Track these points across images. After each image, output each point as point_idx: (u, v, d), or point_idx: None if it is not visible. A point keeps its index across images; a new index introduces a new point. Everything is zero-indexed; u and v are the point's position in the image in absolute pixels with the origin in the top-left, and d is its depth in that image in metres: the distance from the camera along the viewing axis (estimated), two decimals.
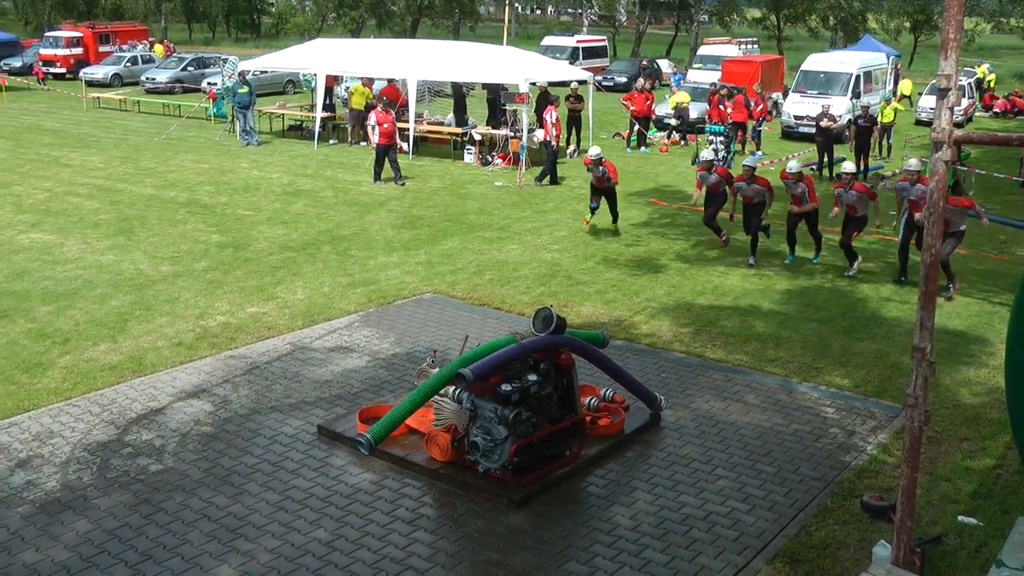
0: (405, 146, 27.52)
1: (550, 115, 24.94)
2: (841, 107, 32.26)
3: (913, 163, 16.28)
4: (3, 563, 7.75)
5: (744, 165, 17.45)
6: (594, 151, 18.95)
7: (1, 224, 19.15)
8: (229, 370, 11.89)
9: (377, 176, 24.27)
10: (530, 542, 8.23)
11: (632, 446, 10.11)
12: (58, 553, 7.92)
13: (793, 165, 17.17)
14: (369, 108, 30.49)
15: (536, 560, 7.96)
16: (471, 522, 8.54)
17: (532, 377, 9.15)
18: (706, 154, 19.02)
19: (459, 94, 31.86)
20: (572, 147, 29.19)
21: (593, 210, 19.34)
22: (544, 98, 29.05)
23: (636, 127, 31.07)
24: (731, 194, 17.91)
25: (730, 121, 29.19)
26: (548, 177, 24.47)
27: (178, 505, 8.70)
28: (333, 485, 9.13)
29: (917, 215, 15.41)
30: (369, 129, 26.19)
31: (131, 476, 9.20)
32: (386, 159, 24.17)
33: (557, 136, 25.24)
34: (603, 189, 19.04)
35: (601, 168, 18.64)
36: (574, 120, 29.54)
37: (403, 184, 23.91)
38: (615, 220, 19.65)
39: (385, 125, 24.07)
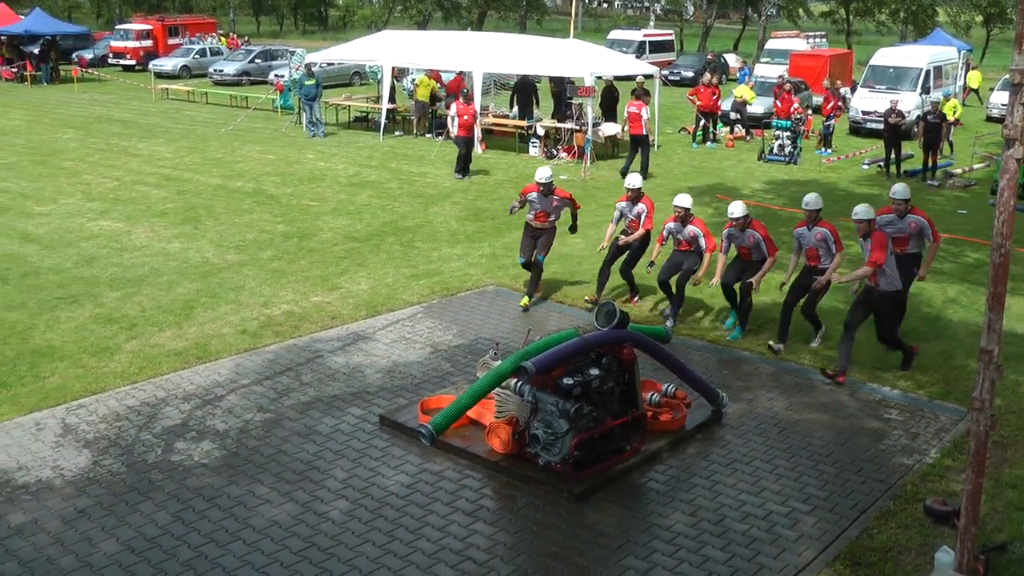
0: (484, 143, 27.63)
1: (644, 111, 24.56)
2: (910, 103, 31.76)
3: (899, 189, 13.10)
4: (70, 541, 7.91)
5: (675, 205, 13.38)
6: (544, 173, 14.04)
7: (71, 212, 19.53)
8: (292, 358, 12.01)
9: (458, 170, 24.16)
10: (589, 536, 8.22)
11: (693, 443, 10.06)
12: (123, 532, 8.06)
13: (737, 207, 12.98)
14: (435, 99, 30.65)
15: (595, 554, 7.95)
16: (531, 515, 8.55)
17: (594, 371, 9.13)
18: (634, 180, 14.24)
19: (529, 86, 31.73)
20: None
21: (526, 267, 14.43)
22: (610, 91, 29.06)
23: (702, 122, 30.87)
24: (657, 240, 13.90)
25: (811, 113, 28.89)
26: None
27: (240, 490, 8.81)
28: (393, 475, 9.18)
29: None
30: (448, 120, 26.25)
31: (195, 460, 9.34)
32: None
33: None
34: (540, 230, 14.26)
35: (552, 198, 14.09)
36: None
37: (468, 178, 23.97)
38: (540, 264, 14.32)
39: (465, 117, 24.15)
